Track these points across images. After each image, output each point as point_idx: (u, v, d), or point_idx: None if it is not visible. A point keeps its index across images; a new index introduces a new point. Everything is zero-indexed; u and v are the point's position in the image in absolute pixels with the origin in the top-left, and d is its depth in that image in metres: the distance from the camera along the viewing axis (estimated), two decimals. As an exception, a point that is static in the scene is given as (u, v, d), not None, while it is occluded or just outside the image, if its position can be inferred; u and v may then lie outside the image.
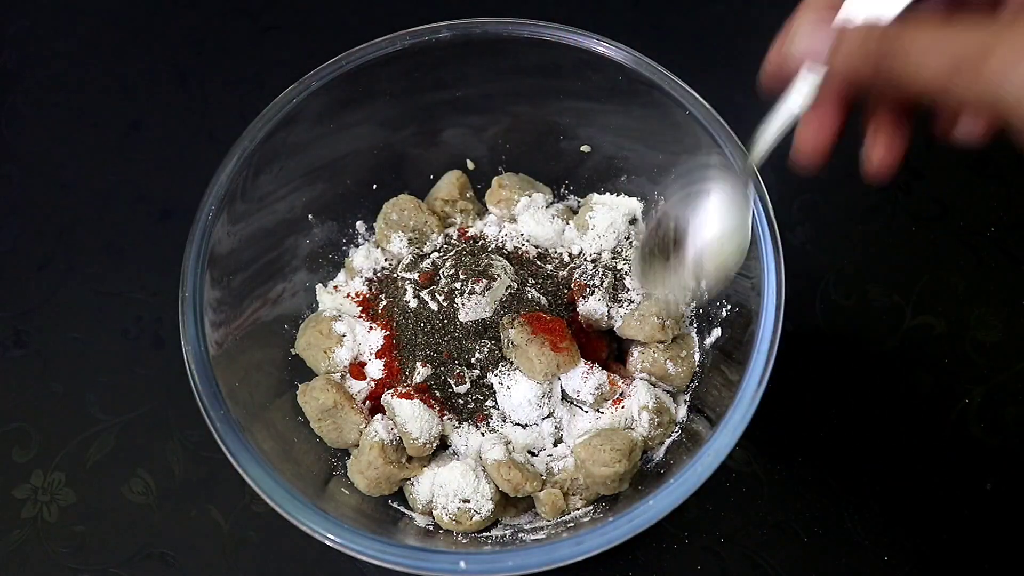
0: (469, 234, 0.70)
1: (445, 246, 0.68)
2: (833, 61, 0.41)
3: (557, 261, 0.69)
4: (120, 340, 0.72)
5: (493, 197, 0.71)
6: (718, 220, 0.51)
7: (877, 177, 0.46)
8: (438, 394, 0.63)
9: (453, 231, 0.70)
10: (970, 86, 0.36)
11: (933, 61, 0.37)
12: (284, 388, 0.64)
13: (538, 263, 0.68)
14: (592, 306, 0.64)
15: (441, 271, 0.65)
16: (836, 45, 0.40)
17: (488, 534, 0.61)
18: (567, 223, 0.71)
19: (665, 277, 0.53)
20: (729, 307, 0.63)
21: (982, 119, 0.42)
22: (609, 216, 0.69)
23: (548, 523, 0.61)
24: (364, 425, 0.62)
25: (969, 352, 0.69)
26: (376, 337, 0.65)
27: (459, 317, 0.62)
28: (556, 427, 0.63)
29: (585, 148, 0.71)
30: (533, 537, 0.60)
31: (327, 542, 0.51)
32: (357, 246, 0.72)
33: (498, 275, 0.63)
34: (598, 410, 0.63)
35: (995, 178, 0.76)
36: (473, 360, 0.63)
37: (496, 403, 0.63)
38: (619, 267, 0.66)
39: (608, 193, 0.72)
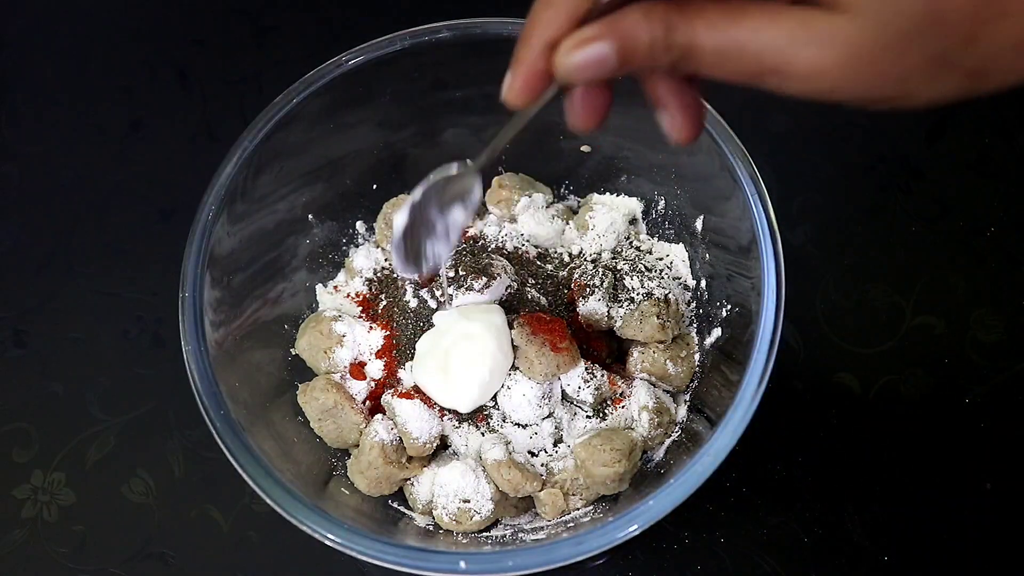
0: (469, 234, 0.70)
1: (445, 246, 0.68)
2: (621, 67, 0.36)
3: (557, 261, 0.69)
4: (120, 340, 0.72)
5: (493, 197, 0.71)
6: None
7: (686, 140, 0.42)
8: (438, 394, 0.63)
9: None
10: (784, 87, 0.35)
11: (734, 69, 0.35)
12: (284, 388, 0.64)
13: (538, 263, 0.68)
14: (592, 306, 0.64)
15: (441, 271, 0.65)
16: (620, 52, 0.36)
17: (488, 534, 0.61)
18: (567, 223, 0.71)
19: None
20: (729, 307, 0.63)
21: None
22: (609, 216, 0.69)
23: (548, 523, 0.61)
24: (364, 425, 0.62)
25: (969, 352, 0.69)
26: (376, 337, 0.65)
27: (452, 303, 0.63)
28: (556, 427, 0.63)
29: (585, 148, 0.71)
30: (533, 537, 0.60)
31: (327, 542, 0.51)
32: (357, 246, 0.72)
33: (498, 274, 0.63)
34: (598, 410, 0.63)
35: (995, 178, 0.76)
36: (473, 360, 0.62)
37: (496, 403, 0.63)
38: (619, 267, 0.66)
39: (608, 193, 0.72)
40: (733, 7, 0.35)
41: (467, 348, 0.60)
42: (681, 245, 0.69)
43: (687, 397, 0.65)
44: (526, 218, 0.69)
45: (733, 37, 0.35)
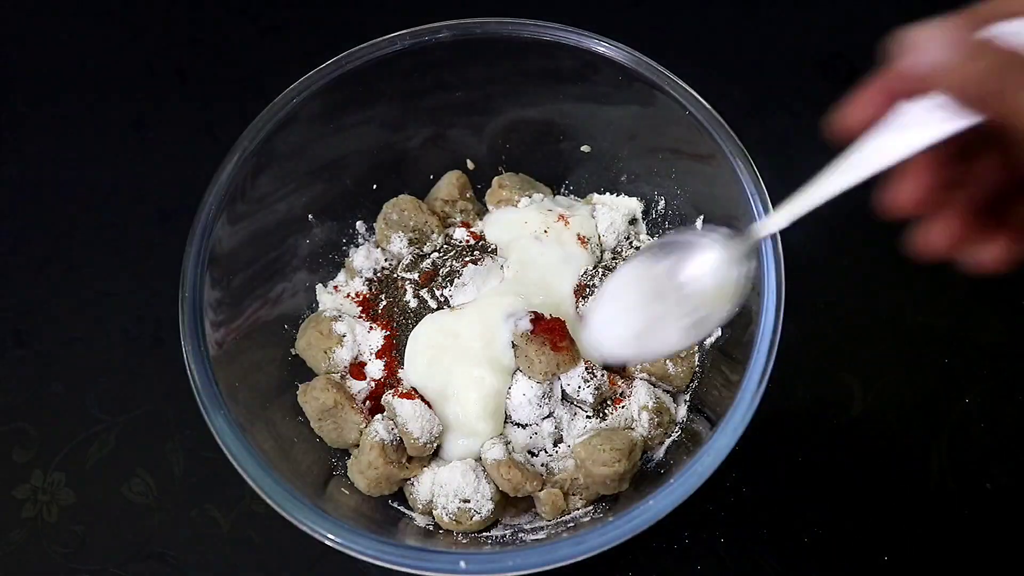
0: (472, 230, 0.70)
1: (445, 246, 0.68)
2: (958, 66, 0.33)
3: (557, 261, 0.69)
4: (120, 340, 0.72)
5: (493, 197, 0.72)
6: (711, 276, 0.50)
7: (933, 257, 0.40)
8: (438, 394, 0.63)
9: (453, 231, 0.70)
10: None
11: None
12: (284, 388, 0.64)
13: (538, 263, 0.68)
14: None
15: (440, 271, 0.65)
16: (970, 48, 0.33)
17: (488, 534, 0.61)
18: (567, 223, 0.71)
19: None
20: (729, 307, 0.63)
21: None
22: (609, 216, 0.69)
23: (548, 523, 0.61)
24: (364, 425, 0.62)
25: (969, 352, 0.69)
26: (376, 337, 0.65)
27: (450, 303, 0.63)
28: (556, 427, 0.63)
29: (585, 148, 0.71)
30: (533, 537, 0.60)
31: (327, 542, 0.51)
32: (357, 246, 0.72)
33: (482, 260, 0.64)
34: (598, 410, 0.63)
35: (995, 178, 0.76)
36: (473, 360, 0.63)
37: (496, 403, 0.63)
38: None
39: (608, 193, 0.72)
40: None
41: (465, 379, 0.61)
42: (681, 245, 0.69)
43: (687, 397, 0.65)
44: (526, 218, 0.69)
45: None
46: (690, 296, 0.50)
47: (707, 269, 0.50)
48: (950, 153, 0.37)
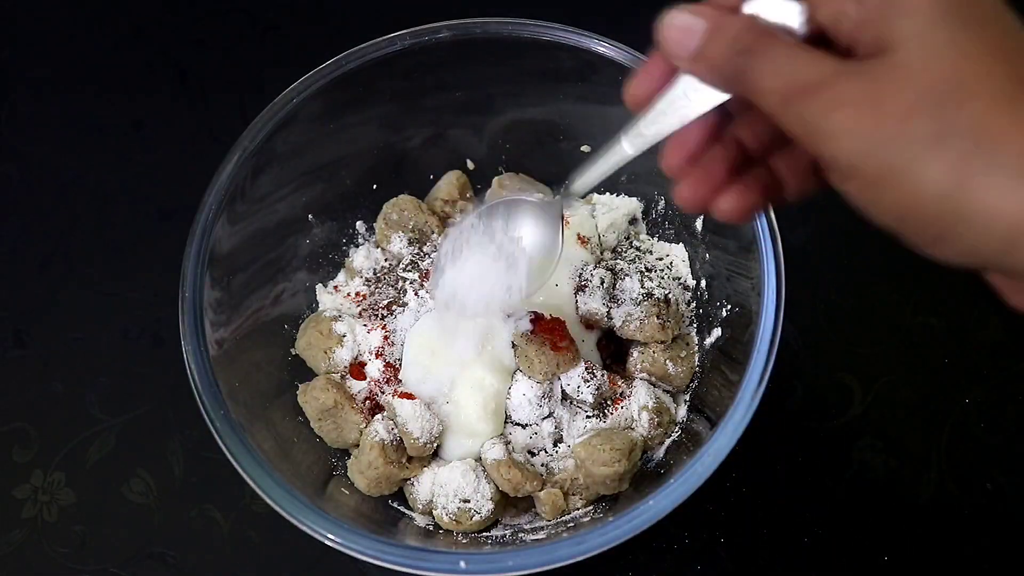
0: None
1: (445, 246, 0.68)
2: (703, 51, 0.36)
3: (557, 261, 0.69)
4: (120, 340, 0.72)
5: (493, 197, 0.72)
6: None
7: (692, 210, 0.43)
8: (438, 394, 0.63)
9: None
10: (796, 116, 0.34)
11: (776, 80, 0.34)
12: (284, 388, 0.64)
13: (538, 263, 0.68)
14: (592, 306, 0.64)
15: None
16: (712, 33, 0.36)
17: (488, 534, 0.61)
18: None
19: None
20: (729, 307, 0.63)
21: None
22: (609, 216, 0.69)
23: (548, 523, 0.61)
24: (364, 425, 0.62)
25: (969, 352, 0.69)
26: (376, 337, 0.65)
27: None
28: (556, 427, 0.63)
29: (585, 148, 0.71)
30: (533, 537, 0.60)
31: (327, 542, 0.51)
32: (357, 246, 0.72)
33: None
34: (598, 410, 0.63)
35: (995, 178, 0.76)
36: (473, 360, 0.62)
37: (496, 403, 0.63)
38: (619, 267, 0.66)
39: (608, 193, 0.72)
40: (804, 59, 0.34)
41: (465, 380, 0.61)
42: (681, 245, 0.69)
43: (687, 397, 0.65)
44: (526, 218, 0.69)
45: (790, 54, 0.35)
46: (524, 249, 0.55)
47: (535, 225, 0.55)
48: (713, 116, 0.41)
